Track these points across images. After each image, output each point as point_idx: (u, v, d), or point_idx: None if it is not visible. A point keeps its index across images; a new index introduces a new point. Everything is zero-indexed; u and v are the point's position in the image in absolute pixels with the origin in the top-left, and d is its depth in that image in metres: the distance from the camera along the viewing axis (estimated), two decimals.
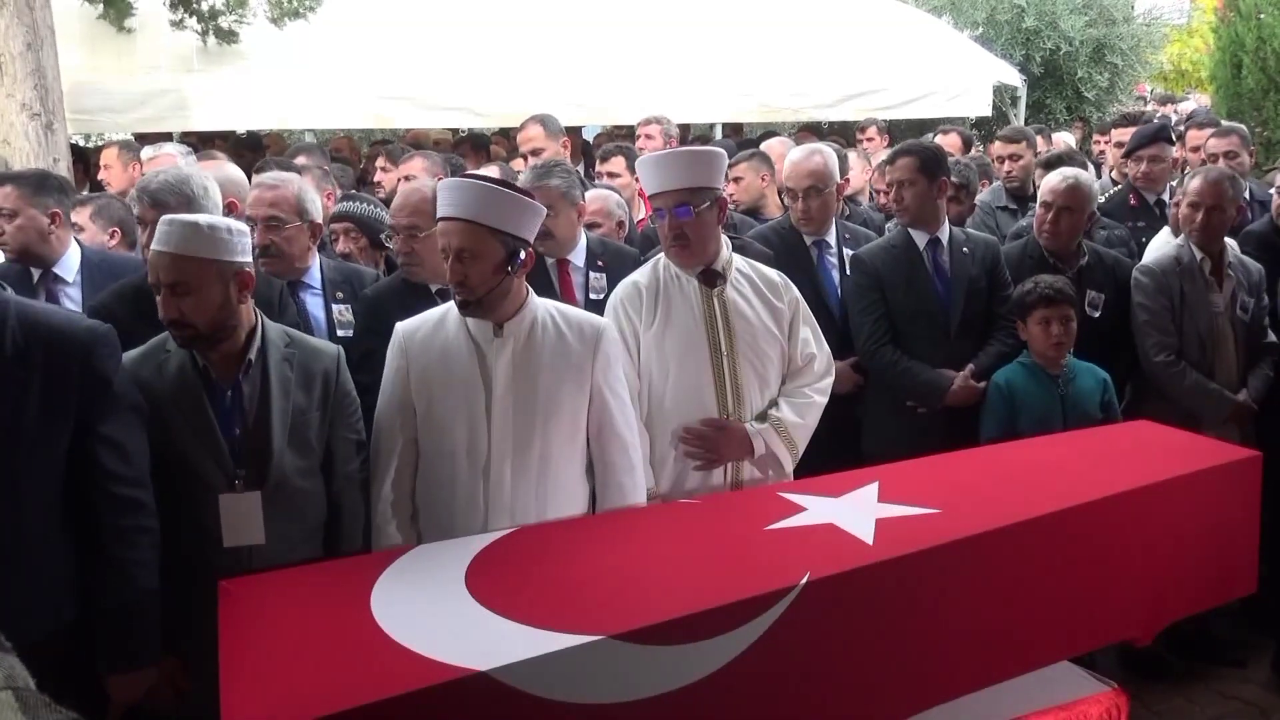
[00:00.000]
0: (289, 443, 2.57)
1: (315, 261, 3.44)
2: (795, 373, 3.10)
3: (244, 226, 2.60)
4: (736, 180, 4.85)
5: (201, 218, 2.53)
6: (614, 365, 2.74)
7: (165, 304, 2.46)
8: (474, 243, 2.53)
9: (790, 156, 4.12)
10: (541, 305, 2.70)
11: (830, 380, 3.15)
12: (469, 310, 2.58)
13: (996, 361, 3.74)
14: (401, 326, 2.70)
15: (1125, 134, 5.59)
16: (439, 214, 2.60)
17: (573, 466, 2.70)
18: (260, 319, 2.63)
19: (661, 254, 3.08)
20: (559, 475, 2.65)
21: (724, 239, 3.07)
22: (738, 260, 3.09)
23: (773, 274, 3.13)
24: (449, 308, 2.67)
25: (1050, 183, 4.01)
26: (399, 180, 4.63)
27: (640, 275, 3.08)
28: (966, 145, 6.74)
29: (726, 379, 2.97)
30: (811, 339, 3.13)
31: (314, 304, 3.40)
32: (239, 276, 2.51)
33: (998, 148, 5.64)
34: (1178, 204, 4.11)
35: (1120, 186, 5.12)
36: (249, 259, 2.56)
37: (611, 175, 5.04)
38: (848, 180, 5.05)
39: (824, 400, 3.11)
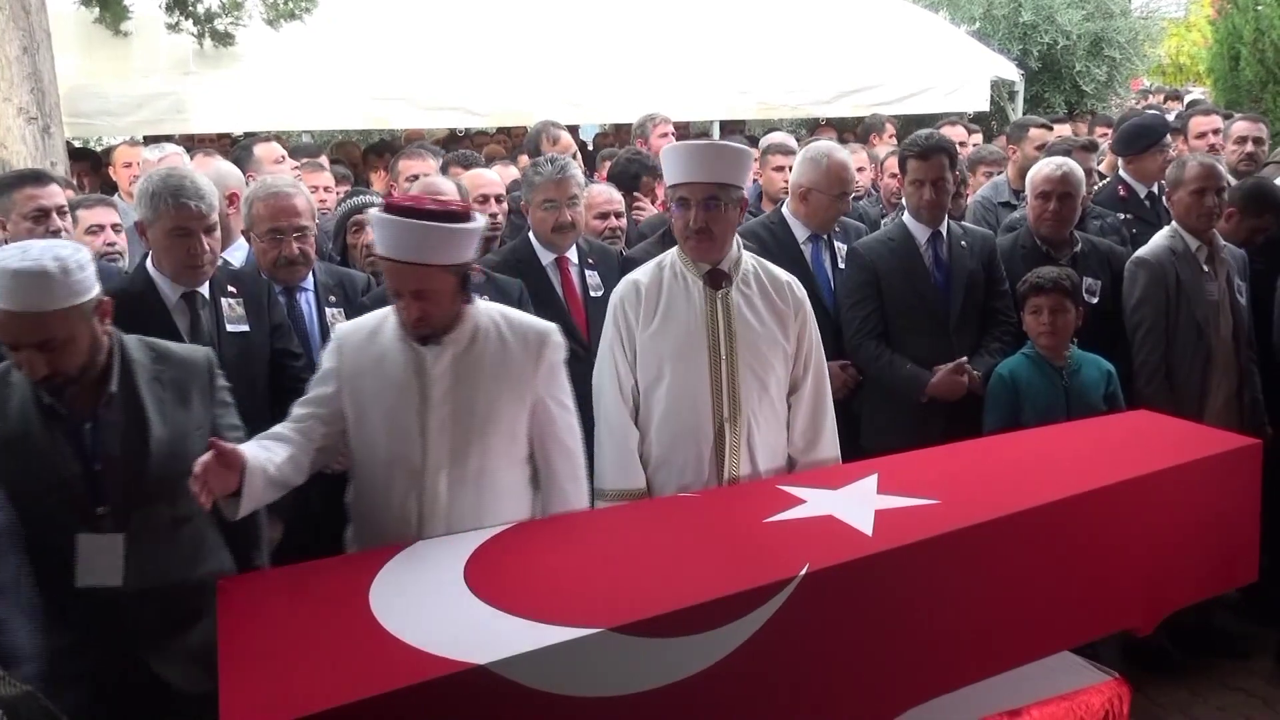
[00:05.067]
0: (171, 471, 2.35)
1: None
2: (808, 448, 3.02)
3: (84, 255, 2.33)
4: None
5: (50, 264, 2.22)
6: (558, 372, 2.66)
7: (33, 364, 2.26)
8: (429, 283, 2.44)
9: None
10: (485, 312, 2.62)
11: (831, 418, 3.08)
12: (429, 341, 2.51)
13: (995, 362, 3.73)
14: (342, 328, 2.67)
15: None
16: (381, 252, 2.49)
17: (514, 476, 2.63)
18: (117, 340, 2.44)
19: (668, 253, 3.03)
20: (499, 485, 2.58)
21: (737, 239, 3.02)
22: (748, 260, 3.02)
23: (782, 275, 3.05)
24: (386, 315, 2.60)
25: (1043, 172, 4.00)
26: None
27: (642, 274, 3.01)
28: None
29: (724, 383, 2.91)
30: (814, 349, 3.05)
31: (307, 307, 3.40)
32: (99, 308, 2.35)
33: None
34: (1167, 195, 4.12)
35: (1109, 180, 5.09)
36: (97, 284, 2.36)
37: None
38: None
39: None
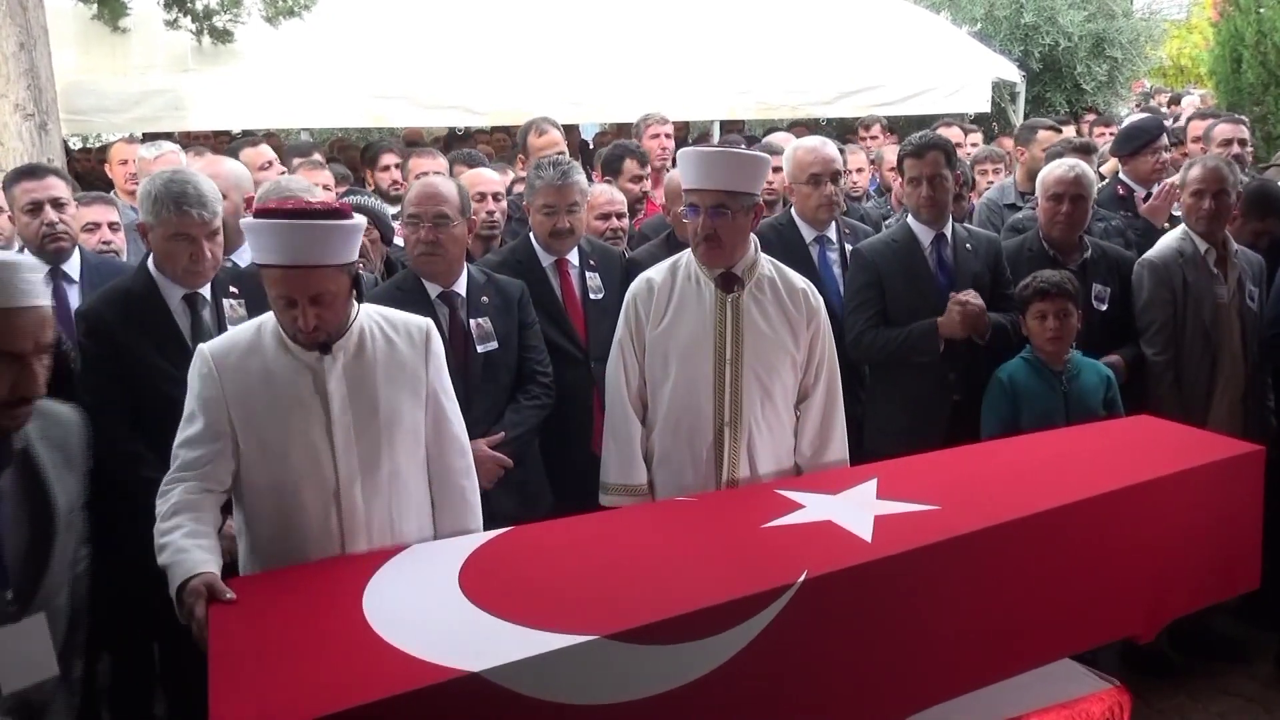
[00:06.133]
0: (67, 551, 2.06)
1: None
2: (815, 456, 3.00)
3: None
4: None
5: None
6: (443, 365, 2.61)
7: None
8: (325, 285, 2.33)
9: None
10: (364, 313, 2.52)
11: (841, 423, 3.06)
12: (327, 349, 2.41)
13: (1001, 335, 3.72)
14: (208, 349, 2.43)
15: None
16: (261, 260, 2.37)
17: (421, 476, 2.57)
18: None
19: (684, 253, 3.02)
20: (409, 488, 2.52)
21: (754, 241, 3.00)
22: (764, 264, 2.99)
23: (798, 281, 3.02)
24: (258, 326, 2.46)
25: (1055, 174, 3.96)
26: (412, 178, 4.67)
27: (655, 273, 3.02)
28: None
29: (726, 387, 2.90)
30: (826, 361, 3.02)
31: None
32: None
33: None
34: (1165, 194, 4.10)
35: (1108, 180, 5.10)
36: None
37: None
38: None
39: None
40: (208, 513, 2.35)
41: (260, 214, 2.37)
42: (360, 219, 2.46)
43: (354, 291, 2.44)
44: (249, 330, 2.48)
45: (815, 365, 3.00)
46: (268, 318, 2.45)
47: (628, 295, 3.03)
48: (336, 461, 2.41)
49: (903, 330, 3.70)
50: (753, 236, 2.99)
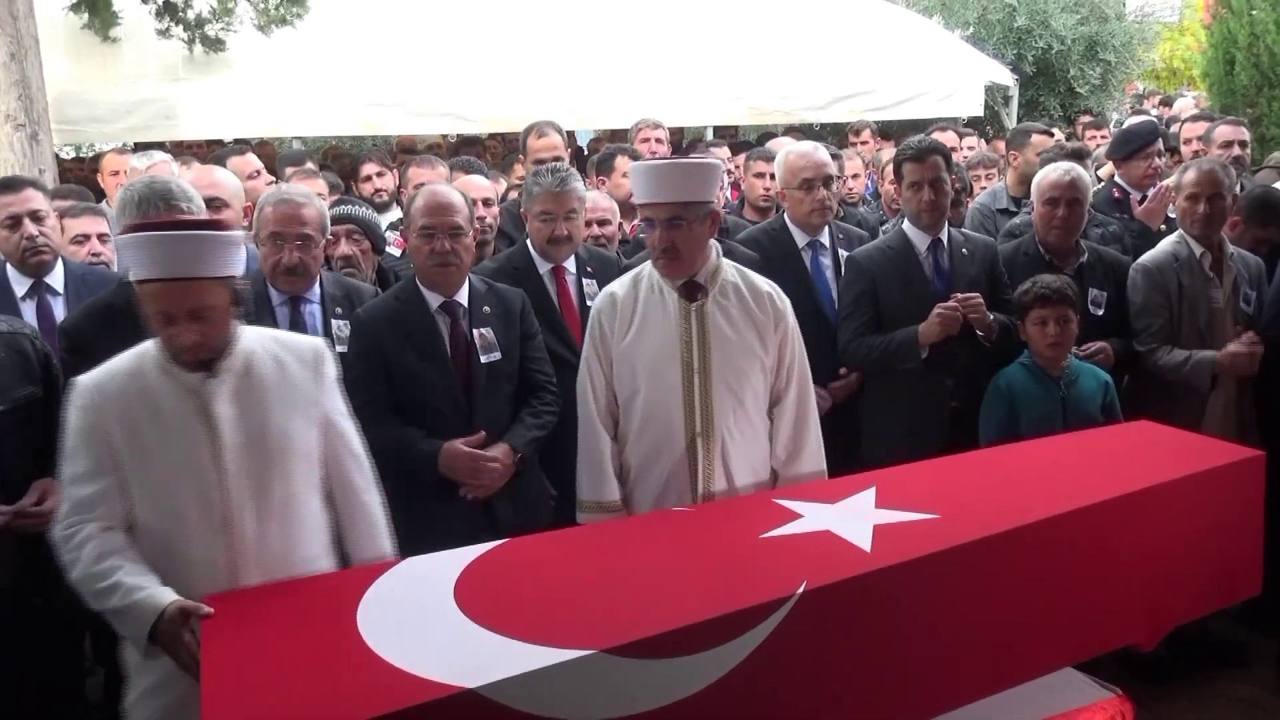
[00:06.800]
0: None
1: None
2: (791, 460, 2.97)
3: None
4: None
5: None
6: (336, 386, 2.54)
7: None
8: (206, 298, 2.25)
9: None
10: (253, 334, 2.45)
11: (815, 425, 3.02)
12: (211, 368, 2.32)
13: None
14: (86, 380, 2.33)
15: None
16: (138, 275, 2.26)
17: (315, 500, 2.49)
18: None
19: (645, 264, 3.00)
20: (304, 513, 2.44)
21: (715, 247, 2.98)
22: (727, 269, 2.96)
23: (763, 285, 2.99)
24: (139, 353, 2.36)
25: (1051, 178, 3.95)
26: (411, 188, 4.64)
27: (619, 286, 2.99)
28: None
29: (696, 398, 2.86)
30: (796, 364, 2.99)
31: (312, 319, 3.36)
32: None
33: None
34: (1160, 197, 4.09)
35: (1103, 184, 5.11)
36: None
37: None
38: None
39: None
40: (132, 550, 2.27)
41: (135, 229, 2.29)
42: (238, 232, 2.38)
43: (236, 308, 2.35)
44: (129, 358, 2.36)
45: (785, 368, 2.96)
46: (148, 345, 2.35)
47: (592, 310, 3.00)
48: (226, 488, 2.31)
49: (886, 338, 3.69)
50: (714, 242, 2.97)
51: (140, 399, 2.30)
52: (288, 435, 2.40)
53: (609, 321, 2.93)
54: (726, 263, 2.99)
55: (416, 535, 2.63)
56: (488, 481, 3.05)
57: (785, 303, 2.99)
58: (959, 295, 3.62)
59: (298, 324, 3.30)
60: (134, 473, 2.30)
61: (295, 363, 2.46)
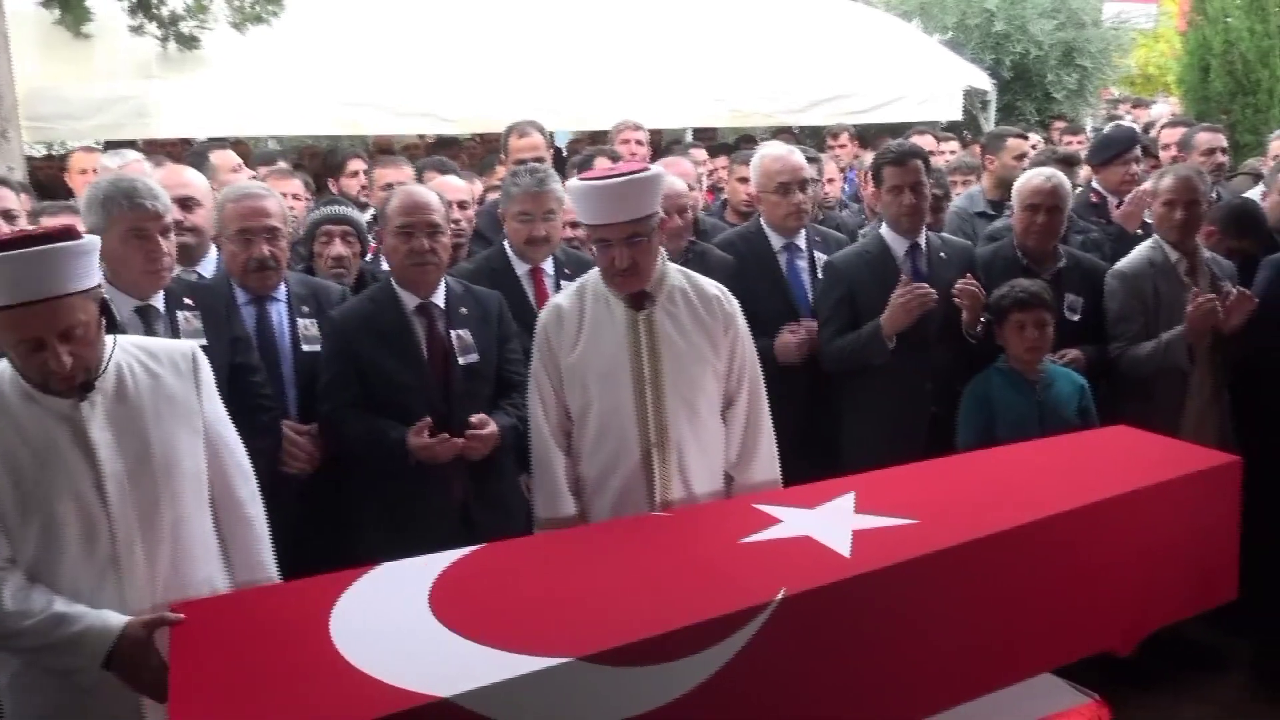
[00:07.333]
0: None
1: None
2: (743, 464, 2.94)
3: None
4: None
5: None
6: (215, 389, 2.40)
7: None
8: (77, 315, 2.08)
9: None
10: (118, 346, 2.24)
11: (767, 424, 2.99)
12: (85, 391, 2.15)
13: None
14: None
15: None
16: (5, 301, 2.03)
17: (206, 519, 2.35)
18: None
19: (590, 274, 2.93)
20: (196, 534, 2.30)
21: (661, 254, 2.90)
22: (674, 275, 2.90)
23: (710, 288, 2.93)
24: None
25: (1033, 184, 3.95)
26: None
27: (563, 298, 2.93)
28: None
29: (649, 409, 2.81)
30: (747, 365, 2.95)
31: (279, 318, 3.32)
32: None
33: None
34: (1136, 201, 4.12)
35: (1081, 189, 5.14)
36: None
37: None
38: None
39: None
40: (40, 588, 2.13)
41: None
42: (93, 238, 2.19)
43: (104, 321, 2.18)
44: None
45: (737, 371, 2.92)
46: (1, 371, 2.17)
47: (538, 325, 2.93)
48: (112, 520, 2.16)
49: (855, 334, 3.68)
50: (659, 248, 2.90)
51: (11, 429, 2.12)
52: (173, 453, 2.25)
53: (555, 335, 2.86)
54: (672, 267, 2.93)
55: (391, 540, 2.60)
56: (479, 445, 3.02)
57: (734, 304, 2.94)
58: (960, 284, 3.62)
59: (264, 324, 3.27)
60: (10, 511, 2.13)
61: (169, 372, 2.30)
